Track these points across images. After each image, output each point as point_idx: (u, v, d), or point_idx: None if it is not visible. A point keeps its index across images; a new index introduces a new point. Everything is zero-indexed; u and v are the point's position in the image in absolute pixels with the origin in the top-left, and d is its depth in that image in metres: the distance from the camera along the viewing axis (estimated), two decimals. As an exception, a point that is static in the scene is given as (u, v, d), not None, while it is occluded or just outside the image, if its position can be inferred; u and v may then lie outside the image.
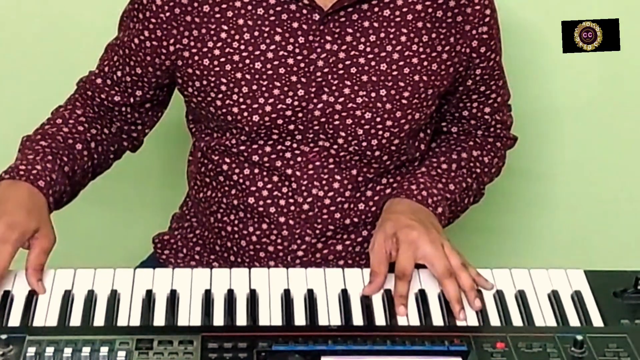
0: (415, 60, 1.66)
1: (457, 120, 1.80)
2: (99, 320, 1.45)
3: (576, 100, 2.17)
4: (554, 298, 1.51)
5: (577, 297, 1.51)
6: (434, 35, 1.67)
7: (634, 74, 2.14)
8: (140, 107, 1.78)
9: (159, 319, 1.45)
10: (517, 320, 1.48)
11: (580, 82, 2.14)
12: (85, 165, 1.72)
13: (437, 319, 1.48)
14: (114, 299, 1.48)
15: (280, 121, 1.65)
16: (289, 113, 1.65)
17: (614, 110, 2.18)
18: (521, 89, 1.96)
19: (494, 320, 1.48)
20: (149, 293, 1.49)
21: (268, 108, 1.64)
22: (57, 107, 1.78)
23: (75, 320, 1.44)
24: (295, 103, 1.64)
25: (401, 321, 1.47)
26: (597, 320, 1.48)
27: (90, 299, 1.47)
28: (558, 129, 2.20)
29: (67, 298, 1.47)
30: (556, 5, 2.04)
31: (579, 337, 1.39)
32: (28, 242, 1.53)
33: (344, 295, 1.51)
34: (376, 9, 1.65)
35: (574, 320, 1.48)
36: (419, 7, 1.66)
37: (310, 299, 1.50)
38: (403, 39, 1.66)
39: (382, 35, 1.65)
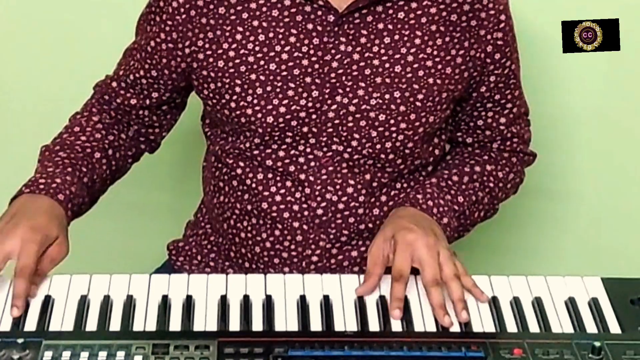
0: (429, 63, 1.65)
1: (472, 130, 1.78)
2: (115, 325, 1.44)
3: (578, 103, 2.15)
4: (571, 305, 1.51)
5: (594, 304, 1.51)
6: (448, 38, 1.66)
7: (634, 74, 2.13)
8: (157, 109, 1.77)
9: (175, 324, 1.44)
10: (534, 326, 1.47)
11: (580, 82, 2.12)
12: (104, 173, 1.73)
13: (454, 325, 1.47)
14: (130, 304, 1.47)
15: (294, 123, 1.64)
16: (302, 114, 1.64)
17: (619, 115, 2.17)
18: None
19: (511, 326, 1.47)
20: (165, 298, 1.48)
21: (282, 109, 1.64)
22: (74, 114, 1.78)
23: (92, 325, 1.44)
24: (309, 104, 1.64)
25: (418, 327, 1.47)
26: (614, 327, 1.47)
27: (106, 304, 1.47)
28: (560, 132, 2.19)
29: (83, 303, 1.47)
30: (556, 5, 2.03)
31: (597, 344, 1.38)
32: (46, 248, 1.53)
33: (360, 301, 1.50)
34: (390, 11, 1.65)
35: (591, 327, 1.47)
36: (433, 10, 1.65)
37: (326, 304, 1.49)
38: (417, 41, 1.65)
39: (397, 37, 1.65)
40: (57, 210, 1.59)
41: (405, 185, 1.73)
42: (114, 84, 1.76)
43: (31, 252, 1.49)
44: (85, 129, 1.74)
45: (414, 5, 1.65)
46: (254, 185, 1.70)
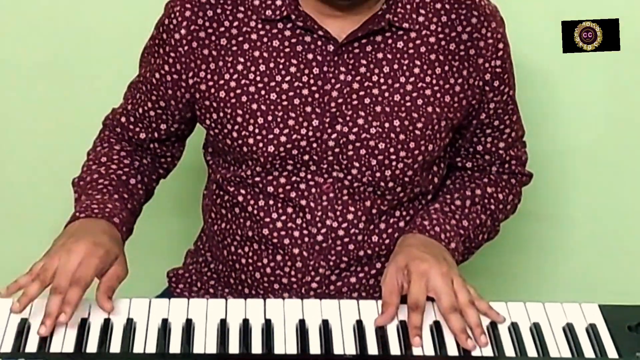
0: (428, 92, 1.67)
1: (472, 155, 1.80)
2: (115, 347, 1.45)
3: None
4: (569, 331, 1.52)
5: (592, 330, 1.52)
6: (447, 67, 1.68)
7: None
8: (166, 141, 1.80)
9: (175, 348, 1.45)
10: (532, 351, 1.48)
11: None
12: (141, 198, 1.77)
13: (452, 349, 1.48)
14: (130, 327, 1.48)
15: (295, 151, 1.66)
16: (303, 143, 1.66)
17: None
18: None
19: (509, 351, 1.48)
20: (165, 322, 1.49)
21: (283, 138, 1.66)
22: (92, 148, 1.81)
23: (92, 347, 1.45)
24: (310, 133, 1.65)
25: (416, 351, 1.48)
26: (612, 353, 1.48)
27: (107, 327, 1.48)
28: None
29: (84, 326, 1.48)
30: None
31: (595, 369, 1.39)
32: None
33: (359, 326, 1.51)
34: (390, 41, 1.67)
35: (589, 353, 1.48)
36: (432, 39, 1.68)
37: (325, 329, 1.50)
38: (416, 70, 1.67)
39: (396, 66, 1.67)
40: (115, 232, 1.62)
41: (404, 213, 1.74)
42: (123, 119, 1.79)
43: (92, 265, 1.52)
44: (113, 158, 1.77)
45: (412, 35, 1.67)
46: (255, 211, 1.71)
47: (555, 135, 2.18)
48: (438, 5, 1.68)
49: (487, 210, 1.78)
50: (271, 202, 1.70)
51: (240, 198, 1.73)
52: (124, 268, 1.58)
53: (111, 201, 1.67)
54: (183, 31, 1.67)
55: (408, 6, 1.67)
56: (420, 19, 1.67)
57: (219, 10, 1.67)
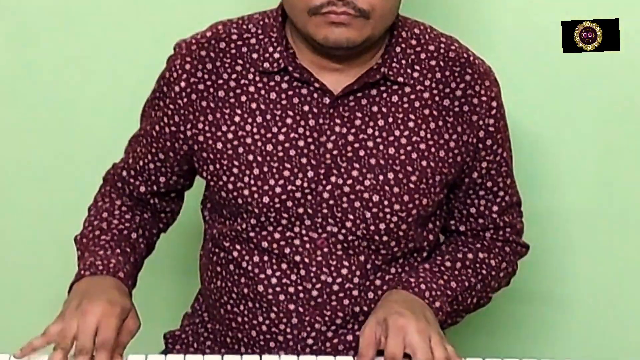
0: (422, 146, 1.69)
1: (466, 218, 1.80)
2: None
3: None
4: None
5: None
6: (441, 122, 1.70)
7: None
8: (165, 195, 1.83)
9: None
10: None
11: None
12: (143, 252, 1.79)
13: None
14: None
15: (289, 203, 1.67)
16: (298, 195, 1.67)
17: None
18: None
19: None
20: (162, 377, 1.48)
21: (278, 190, 1.67)
22: (93, 204, 1.83)
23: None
24: (305, 184, 1.67)
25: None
26: None
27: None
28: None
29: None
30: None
31: None
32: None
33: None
34: (385, 95, 1.69)
35: None
36: (426, 94, 1.70)
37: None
38: (411, 124, 1.69)
39: (391, 120, 1.69)
40: (123, 287, 1.65)
41: (399, 270, 1.74)
42: (124, 173, 1.82)
43: (112, 326, 1.54)
44: (114, 213, 1.78)
45: (407, 89, 1.70)
46: (250, 268, 1.72)
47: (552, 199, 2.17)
48: (433, 62, 1.71)
49: (478, 275, 1.76)
50: (266, 258, 1.71)
51: (235, 254, 1.73)
52: (137, 320, 1.61)
53: (114, 256, 1.69)
54: (183, 84, 1.71)
55: (403, 61, 1.70)
56: (415, 74, 1.70)
57: (218, 63, 1.71)
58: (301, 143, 1.68)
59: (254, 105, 1.69)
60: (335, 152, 1.68)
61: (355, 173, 1.67)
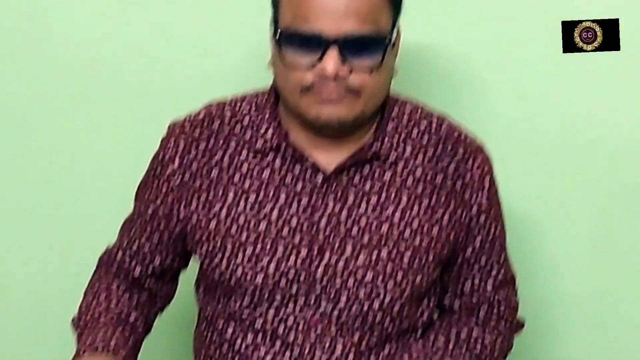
0: (415, 224, 1.69)
1: (460, 294, 1.79)
2: None
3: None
4: None
5: None
6: (434, 200, 1.70)
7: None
8: (161, 277, 1.82)
9: None
10: None
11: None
12: (142, 335, 1.78)
13: None
14: None
15: (283, 282, 1.67)
16: (291, 273, 1.67)
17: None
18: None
19: None
20: None
21: (271, 268, 1.66)
22: (89, 287, 1.82)
23: None
24: (298, 263, 1.67)
25: None
26: None
27: None
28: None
29: None
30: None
31: None
32: None
33: None
34: (377, 172, 1.70)
35: None
36: (418, 171, 1.71)
37: None
38: (404, 201, 1.69)
39: (383, 197, 1.69)
40: None
41: (393, 350, 1.72)
42: (119, 255, 1.81)
43: None
44: (112, 295, 1.78)
45: (400, 166, 1.70)
46: (243, 348, 1.70)
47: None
48: (425, 139, 1.72)
49: (472, 354, 1.75)
50: (259, 337, 1.70)
51: (229, 333, 1.72)
52: None
53: (114, 337, 1.68)
54: (176, 163, 1.72)
55: (395, 138, 1.71)
56: (408, 151, 1.71)
57: (211, 143, 1.72)
58: (294, 221, 1.68)
59: (247, 184, 1.70)
60: (328, 230, 1.67)
61: (348, 251, 1.67)
